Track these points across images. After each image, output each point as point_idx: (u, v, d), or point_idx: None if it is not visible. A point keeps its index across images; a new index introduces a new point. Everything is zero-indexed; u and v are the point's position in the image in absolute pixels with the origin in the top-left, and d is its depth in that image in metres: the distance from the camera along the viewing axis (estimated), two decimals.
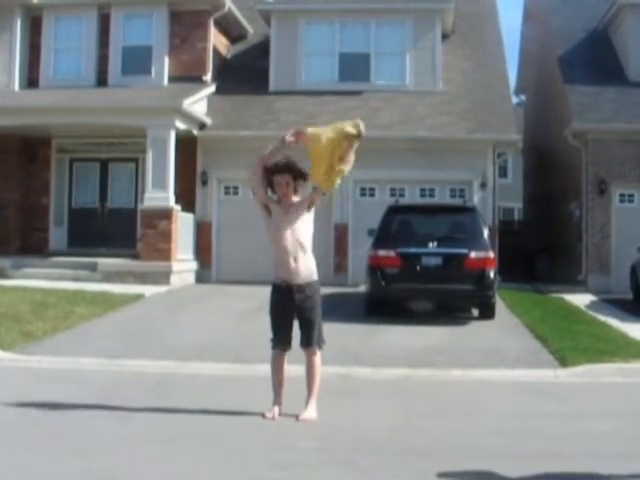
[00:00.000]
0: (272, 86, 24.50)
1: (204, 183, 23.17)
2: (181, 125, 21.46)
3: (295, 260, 8.08)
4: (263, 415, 8.06)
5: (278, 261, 8.17)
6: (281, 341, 8.18)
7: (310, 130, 7.91)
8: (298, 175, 8.08)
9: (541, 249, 27.92)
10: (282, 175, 8.03)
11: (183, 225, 21.62)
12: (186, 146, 22.30)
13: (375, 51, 24.42)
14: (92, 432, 7.63)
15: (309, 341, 8.15)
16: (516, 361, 11.93)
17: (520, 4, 47.34)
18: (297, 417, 8.04)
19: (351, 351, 12.45)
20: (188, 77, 23.54)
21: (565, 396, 10.02)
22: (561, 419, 8.52)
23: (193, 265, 22.45)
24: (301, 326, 8.20)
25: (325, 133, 7.84)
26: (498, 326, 15.40)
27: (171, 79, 23.74)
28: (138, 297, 17.83)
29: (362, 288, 17.60)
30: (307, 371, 8.26)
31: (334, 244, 22.48)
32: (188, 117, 21.87)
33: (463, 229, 16.61)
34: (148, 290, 18.86)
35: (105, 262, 20.79)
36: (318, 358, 8.27)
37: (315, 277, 8.23)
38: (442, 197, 22.54)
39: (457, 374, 11.06)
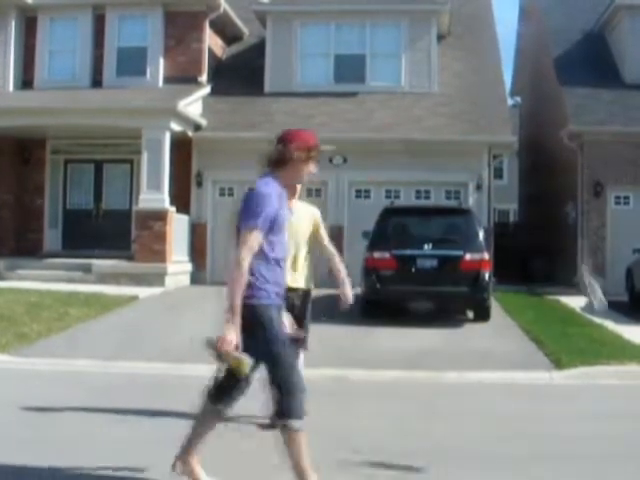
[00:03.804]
0: (267, 87, 24.48)
1: (199, 184, 23.14)
2: (176, 126, 21.41)
3: (297, 263, 8.09)
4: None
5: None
6: None
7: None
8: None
9: (537, 251, 27.90)
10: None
11: (178, 226, 21.57)
12: (181, 147, 22.27)
13: (370, 52, 24.41)
14: (86, 434, 7.60)
15: (304, 344, 8.08)
16: (511, 363, 11.92)
17: (516, 6, 47.42)
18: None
19: (346, 353, 12.45)
20: (183, 78, 23.49)
21: (560, 398, 10.02)
22: (556, 421, 8.51)
23: (188, 267, 22.41)
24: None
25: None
26: (493, 328, 15.39)
27: (166, 80, 23.71)
28: (132, 299, 17.79)
29: (357, 290, 17.56)
30: None
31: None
32: (183, 118, 21.83)
33: (458, 231, 16.58)
34: (143, 292, 18.82)
35: (100, 263, 20.75)
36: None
37: (311, 286, 8.19)
38: (437, 199, 22.54)
39: (452, 376, 11.05)
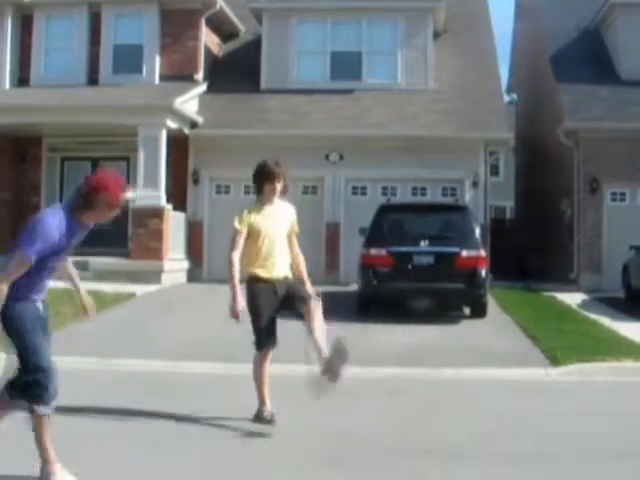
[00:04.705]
0: (264, 84, 24.47)
1: (195, 182, 23.15)
2: (172, 124, 21.41)
3: (280, 257, 8.06)
4: (268, 420, 7.94)
5: (261, 259, 8.02)
6: (273, 338, 8.07)
7: None
8: (284, 180, 8.10)
9: (533, 247, 27.93)
10: (275, 183, 8.01)
11: (174, 224, 21.57)
12: (177, 145, 22.27)
13: (367, 49, 24.42)
14: (77, 432, 7.59)
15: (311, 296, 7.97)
16: (508, 360, 11.93)
17: (512, 3, 47.42)
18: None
19: None
20: (179, 76, 23.47)
21: (557, 395, 10.03)
22: (553, 418, 8.52)
23: (184, 264, 22.41)
24: (297, 299, 7.93)
25: None
26: (490, 325, 15.41)
27: (162, 78, 23.69)
28: (129, 296, 17.78)
29: (354, 287, 17.58)
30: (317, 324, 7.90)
31: (325, 243, 22.48)
32: (179, 116, 21.83)
33: (455, 228, 16.60)
34: (139, 289, 18.81)
35: (96, 261, 20.72)
36: None
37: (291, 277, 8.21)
38: (434, 196, 22.54)
39: (449, 373, 11.06)
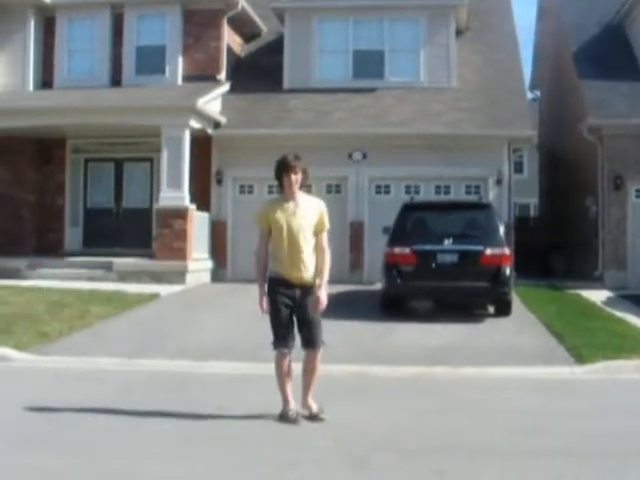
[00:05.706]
0: (286, 84, 24.49)
1: (219, 182, 23.19)
2: (195, 124, 21.46)
3: (302, 255, 8.00)
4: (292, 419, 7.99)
5: (282, 256, 8.01)
6: (290, 337, 8.07)
7: None
8: (303, 172, 8.09)
9: (557, 245, 27.81)
10: (290, 175, 8.01)
11: (198, 224, 21.62)
12: (201, 145, 22.30)
13: (389, 48, 24.36)
14: (108, 432, 7.64)
15: (316, 341, 8.08)
16: (532, 358, 11.88)
17: (534, 9, 47.21)
18: (317, 416, 8.05)
19: (367, 349, 12.44)
20: (202, 76, 23.53)
21: (582, 393, 9.98)
22: (578, 416, 8.48)
23: (208, 264, 22.45)
24: (305, 326, 8.04)
25: None
26: (514, 323, 15.35)
27: (185, 78, 23.76)
28: (154, 296, 17.83)
29: (378, 286, 17.57)
30: (309, 371, 8.15)
31: (349, 242, 22.45)
32: (202, 116, 21.87)
33: (478, 226, 16.54)
34: (164, 289, 18.86)
35: (120, 262, 20.82)
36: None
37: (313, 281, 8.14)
38: (457, 194, 22.49)
39: (473, 372, 11.03)
